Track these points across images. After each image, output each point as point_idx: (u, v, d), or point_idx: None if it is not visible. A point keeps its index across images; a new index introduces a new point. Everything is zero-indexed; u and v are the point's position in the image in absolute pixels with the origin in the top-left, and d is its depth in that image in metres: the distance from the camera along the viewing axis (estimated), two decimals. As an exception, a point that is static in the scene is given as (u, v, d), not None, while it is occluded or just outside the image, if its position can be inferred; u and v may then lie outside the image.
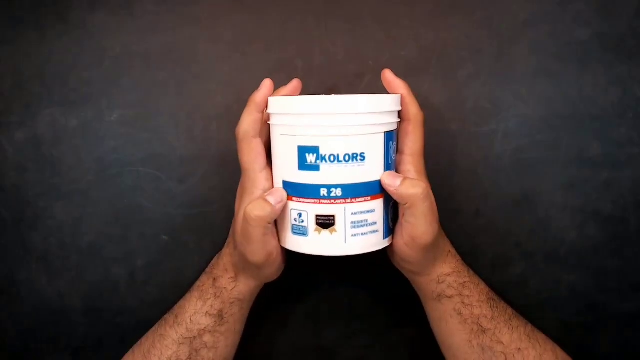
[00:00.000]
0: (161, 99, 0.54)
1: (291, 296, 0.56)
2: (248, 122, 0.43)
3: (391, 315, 0.57)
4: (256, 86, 0.54)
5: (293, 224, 0.43)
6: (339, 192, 0.42)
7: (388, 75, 0.45)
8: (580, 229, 0.55)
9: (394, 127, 0.44)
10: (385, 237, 0.44)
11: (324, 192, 0.42)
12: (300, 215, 0.43)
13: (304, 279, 0.56)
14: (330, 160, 0.41)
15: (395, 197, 0.42)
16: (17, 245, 0.54)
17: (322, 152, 0.41)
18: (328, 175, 0.42)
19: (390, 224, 0.45)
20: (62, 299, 0.55)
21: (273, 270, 0.46)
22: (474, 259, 0.52)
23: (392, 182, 0.42)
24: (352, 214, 0.42)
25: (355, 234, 0.43)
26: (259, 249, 0.43)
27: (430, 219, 0.43)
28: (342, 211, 0.42)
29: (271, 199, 0.42)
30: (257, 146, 0.43)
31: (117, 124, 0.54)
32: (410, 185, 0.42)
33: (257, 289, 0.48)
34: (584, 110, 0.54)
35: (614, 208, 0.54)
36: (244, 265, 0.45)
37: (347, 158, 0.41)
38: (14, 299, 0.55)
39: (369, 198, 0.42)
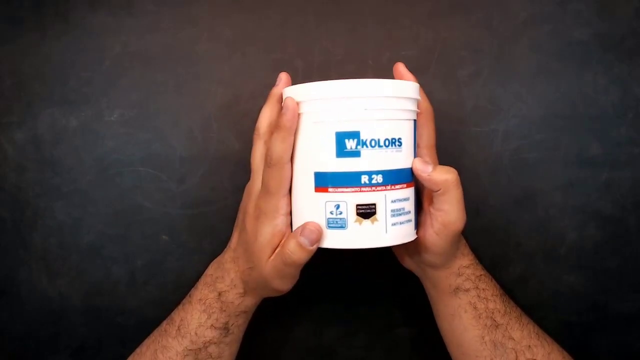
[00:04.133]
0: (161, 99, 0.54)
1: (291, 296, 0.56)
2: (283, 149, 0.41)
3: (391, 315, 0.57)
4: (256, 86, 0.54)
5: (329, 218, 0.41)
6: (380, 178, 0.40)
7: (401, 69, 0.46)
8: (580, 229, 0.55)
9: (416, 115, 0.44)
10: (416, 227, 0.44)
11: (365, 179, 0.40)
12: (337, 206, 0.41)
13: (304, 279, 0.56)
14: (371, 146, 0.40)
15: (427, 184, 0.42)
16: (17, 245, 0.54)
17: (362, 137, 0.40)
18: (369, 161, 0.40)
19: (418, 214, 0.45)
20: (62, 299, 0.55)
21: (287, 291, 0.46)
22: (474, 259, 0.52)
23: (424, 167, 0.42)
24: (392, 201, 0.41)
25: (395, 222, 0.41)
26: (289, 282, 0.45)
27: (462, 205, 0.43)
28: (383, 199, 0.41)
29: (305, 242, 0.41)
30: (288, 171, 0.42)
31: (117, 124, 0.54)
32: (444, 171, 0.42)
33: (261, 301, 0.48)
34: (584, 110, 0.54)
35: (614, 208, 0.54)
36: (259, 286, 0.45)
37: (387, 143, 0.40)
38: (14, 299, 0.55)
39: (405, 185, 0.42)
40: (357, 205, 0.40)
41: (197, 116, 0.54)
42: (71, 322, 0.55)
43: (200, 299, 0.47)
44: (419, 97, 0.43)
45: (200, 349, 0.45)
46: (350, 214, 0.41)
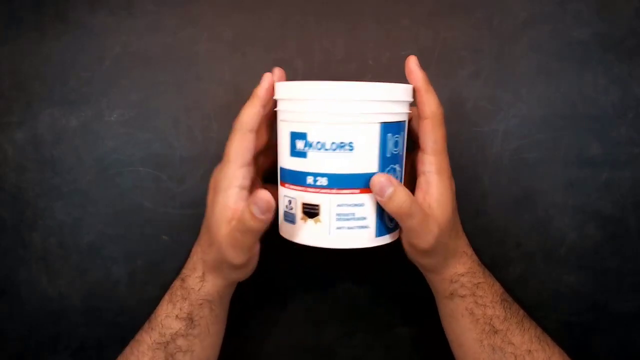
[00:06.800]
0: (161, 99, 0.54)
1: (291, 296, 0.56)
2: (248, 114, 0.43)
3: (391, 315, 0.57)
4: (256, 86, 0.54)
5: (285, 211, 0.43)
6: (324, 181, 0.41)
7: (411, 64, 0.43)
8: (580, 229, 0.55)
9: (396, 118, 0.42)
10: (378, 234, 0.43)
11: (310, 180, 0.41)
12: (290, 202, 0.43)
13: (303, 279, 0.56)
14: (317, 148, 0.41)
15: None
16: (17, 245, 0.54)
17: (309, 138, 0.41)
18: (314, 162, 0.41)
19: (388, 222, 0.43)
20: (62, 299, 0.55)
21: (247, 271, 0.45)
22: (474, 259, 0.52)
23: (381, 190, 0.40)
24: (338, 205, 0.41)
25: (341, 227, 0.41)
26: (244, 254, 0.42)
27: (424, 229, 0.42)
28: (327, 201, 0.41)
29: (256, 210, 0.39)
30: (248, 141, 0.43)
31: (117, 124, 0.54)
32: (396, 204, 0.40)
33: (225, 290, 0.47)
34: (584, 110, 0.54)
35: (614, 208, 0.54)
36: (217, 264, 0.44)
37: (334, 146, 0.40)
38: (14, 299, 0.55)
39: (358, 191, 0.41)
40: (304, 203, 0.42)
41: (197, 116, 0.54)
42: (71, 322, 0.55)
43: (170, 288, 0.47)
44: (393, 99, 0.41)
45: (168, 342, 0.45)
46: (298, 211, 0.42)
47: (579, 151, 0.54)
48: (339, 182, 0.41)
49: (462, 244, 0.47)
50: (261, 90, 0.43)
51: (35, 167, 0.54)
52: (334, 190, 0.41)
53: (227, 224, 0.42)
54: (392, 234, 0.44)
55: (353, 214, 0.41)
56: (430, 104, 0.43)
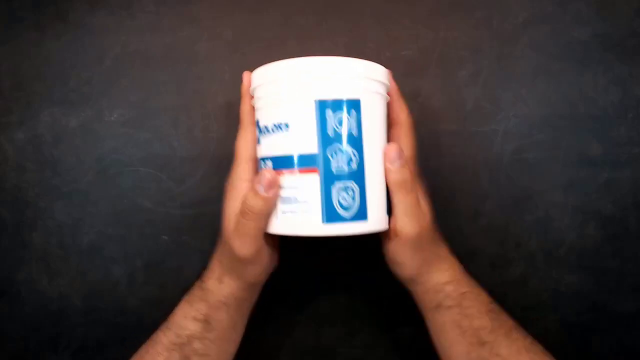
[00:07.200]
0: (161, 99, 0.54)
1: (291, 296, 0.56)
2: (243, 111, 0.45)
3: (391, 315, 0.57)
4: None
5: None
6: (269, 164, 0.41)
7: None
8: (580, 229, 0.55)
9: (341, 95, 0.39)
10: (327, 220, 0.39)
11: (262, 165, 0.42)
12: None
13: (303, 278, 0.56)
14: (264, 132, 0.41)
15: (386, 176, 0.42)
16: (17, 245, 0.54)
17: (260, 125, 0.42)
18: (264, 147, 0.42)
19: (340, 209, 0.39)
20: (62, 299, 0.55)
21: (258, 269, 0.45)
22: (474, 259, 0.52)
23: (392, 158, 0.41)
24: (281, 187, 0.40)
25: (285, 211, 0.40)
26: (249, 243, 0.42)
27: (411, 213, 0.42)
28: None
29: (259, 188, 0.40)
30: (252, 133, 0.44)
31: (117, 124, 0.54)
32: (399, 173, 0.41)
33: (242, 293, 0.46)
34: (584, 110, 0.54)
35: (614, 208, 0.54)
36: (229, 262, 0.44)
37: (274, 128, 0.40)
38: (14, 300, 0.55)
39: (297, 171, 0.39)
40: None
41: (197, 116, 0.54)
42: (71, 322, 0.55)
43: (190, 290, 0.47)
44: (330, 74, 0.39)
45: (184, 343, 0.44)
46: None
47: (579, 151, 0.54)
48: (280, 163, 0.40)
49: (443, 250, 0.47)
50: (244, 87, 0.45)
51: (35, 167, 0.54)
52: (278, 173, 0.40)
53: (236, 217, 0.42)
54: (347, 225, 0.40)
55: (295, 198, 0.40)
56: (403, 112, 0.45)
